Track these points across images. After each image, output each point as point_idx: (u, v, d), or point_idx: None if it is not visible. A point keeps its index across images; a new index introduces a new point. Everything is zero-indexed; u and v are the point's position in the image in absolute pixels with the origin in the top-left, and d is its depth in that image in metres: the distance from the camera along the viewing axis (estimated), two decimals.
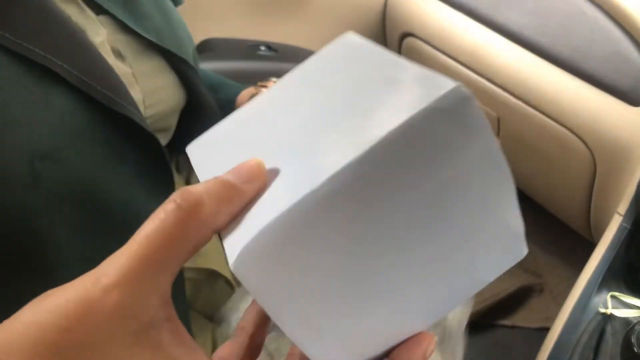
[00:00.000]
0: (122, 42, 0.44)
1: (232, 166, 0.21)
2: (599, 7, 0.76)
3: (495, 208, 0.22)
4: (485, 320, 1.06)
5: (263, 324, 0.26)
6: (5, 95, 0.33)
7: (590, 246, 0.66)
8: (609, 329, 0.55)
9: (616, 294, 0.58)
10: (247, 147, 0.25)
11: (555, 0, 0.81)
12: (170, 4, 0.53)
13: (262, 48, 1.09)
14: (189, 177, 0.67)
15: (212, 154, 0.26)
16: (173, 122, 0.52)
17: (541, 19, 0.81)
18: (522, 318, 1.07)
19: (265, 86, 0.56)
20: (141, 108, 0.45)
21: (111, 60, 0.42)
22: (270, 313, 0.20)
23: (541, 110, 0.78)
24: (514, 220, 0.23)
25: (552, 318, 0.58)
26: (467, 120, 0.20)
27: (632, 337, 0.50)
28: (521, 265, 1.16)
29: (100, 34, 0.42)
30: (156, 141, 0.43)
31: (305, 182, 0.19)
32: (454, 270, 0.22)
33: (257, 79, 1.06)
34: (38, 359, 0.17)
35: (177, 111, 0.52)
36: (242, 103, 0.58)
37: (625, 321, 0.55)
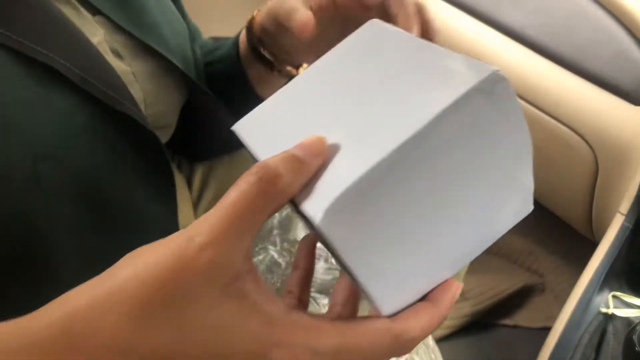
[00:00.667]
0: (119, 42, 0.44)
1: (292, 142, 0.25)
2: (602, 6, 0.75)
3: (517, 169, 0.27)
4: (487, 319, 1.06)
5: (313, 258, 0.31)
6: (7, 96, 0.33)
7: (592, 246, 0.66)
8: (610, 328, 0.55)
9: (618, 293, 0.58)
10: (300, 125, 0.29)
11: (558, 0, 0.81)
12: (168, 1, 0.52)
13: None
14: (190, 175, 0.67)
15: (266, 131, 0.30)
16: (173, 120, 0.52)
17: (543, 17, 0.80)
18: (524, 317, 1.07)
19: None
20: (141, 107, 0.45)
21: (110, 59, 0.41)
22: (348, 261, 0.23)
23: (543, 109, 0.78)
24: (528, 180, 0.27)
25: (554, 317, 0.57)
26: (503, 99, 0.25)
27: (634, 337, 0.50)
28: (523, 265, 1.16)
29: (96, 35, 0.42)
30: (157, 140, 0.43)
31: (373, 153, 0.23)
32: (480, 222, 0.27)
33: None
34: (139, 312, 0.20)
35: (178, 109, 0.52)
36: (243, 40, 0.55)
37: (627, 321, 0.55)
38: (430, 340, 0.63)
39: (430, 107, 0.23)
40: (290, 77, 0.54)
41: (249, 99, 0.57)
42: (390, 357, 0.24)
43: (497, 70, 0.24)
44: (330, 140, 0.26)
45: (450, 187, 0.25)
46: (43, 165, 0.34)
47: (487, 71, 0.24)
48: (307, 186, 0.24)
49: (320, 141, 0.25)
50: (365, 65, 0.30)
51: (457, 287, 0.26)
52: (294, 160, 0.24)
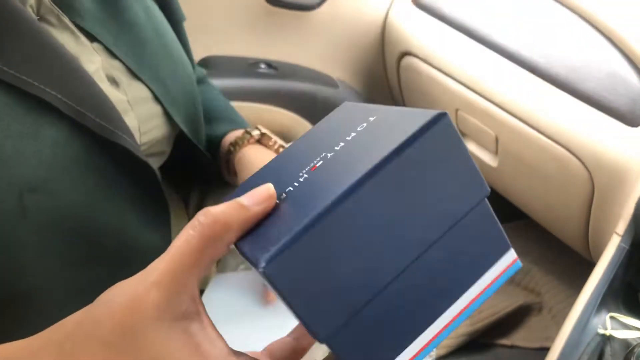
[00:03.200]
0: (117, 68, 0.44)
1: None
2: (596, 28, 0.77)
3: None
4: (484, 339, 1.06)
5: None
6: None
7: (589, 265, 0.66)
8: (608, 350, 0.54)
9: (615, 315, 0.57)
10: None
11: (553, 21, 0.82)
12: (168, 28, 0.52)
13: (262, 66, 1.10)
14: (187, 196, 0.67)
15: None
16: (168, 147, 0.52)
17: (538, 39, 0.82)
18: (522, 338, 1.07)
19: (250, 134, 0.58)
20: (136, 135, 0.44)
21: (105, 87, 0.41)
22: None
23: (539, 129, 0.79)
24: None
25: (552, 338, 0.57)
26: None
27: (632, 359, 0.50)
28: (520, 284, 1.16)
29: (94, 62, 0.41)
30: (151, 170, 0.42)
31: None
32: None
33: (257, 96, 1.07)
34: (109, 338, 0.23)
35: (172, 137, 0.52)
36: (225, 145, 0.58)
37: (625, 342, 0.55)
38: None
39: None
40: None
41: (213, 173, 0.61)
42: None
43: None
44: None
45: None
46: (30, 198, 0.34)
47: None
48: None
49: (267, 189, 0.26)
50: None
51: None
52: (237, 207, 0.25)
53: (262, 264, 0.23)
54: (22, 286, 0.35)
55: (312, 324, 0.25)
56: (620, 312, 0.58)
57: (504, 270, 0.29)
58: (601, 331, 0.56)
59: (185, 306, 0.24)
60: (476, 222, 0.28)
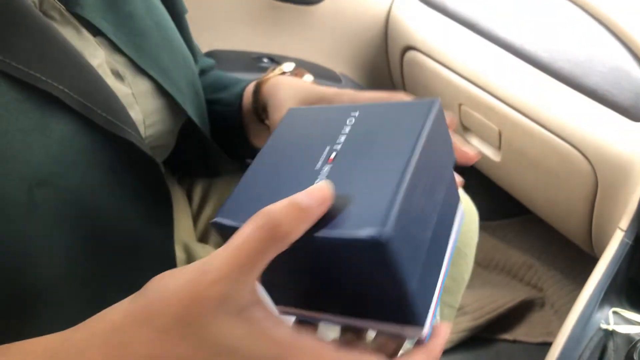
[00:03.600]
0: (120, 62, 0.44)
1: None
2: (600, 22, 0.76)
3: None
4: (486, 334, 1.06)
5: None
6: (4, 123, 0.33)
7: (592, 260, 0.66)
8: (611, 345, 0.54)
9: (618, 310, 0.57)
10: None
11: (556, 16, 0.81)
12: (168, 20, 0.52)
13: (265, 60, 1.10)
14: (191, 189, 0.67)
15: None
16: (172, 140, 0.52)
17: (542, 33, 0.81)
18: (524, 332, 1.07)
19: (267, 77, 0.54)
20: (141, 128, 0.44)
21: (111, 81, 0.41)
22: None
23: (542, 124, 0.78)
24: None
25: (554, 333, 0.57)
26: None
27: (635, 354, 0.50)
28: (522, 279, 1.16)
29: (97, 57, 0.41)
30: (155, 164, 0.42)
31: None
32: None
33: None
34: (169, 326, 0.24)
35: (176, 129, 0.52)
36: (248, 97, 0.56)
37: (628, 337, 0.55)
38: None
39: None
40: None
41: (242, 145, 0.59)
42: None
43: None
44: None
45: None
46: (39, 192, 0.34)
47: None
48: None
49: (326, 188, 0.27)
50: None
51: (446, 329, 0.31)
52: (297, 209, 0.25)
53: (383, 230, 0.24)
54: (29, 279, 0.36)
55: (410, 284, 0.27)
56: (623, 307, 0.58)
57: (459, 220, 0.36)
58: (604, 326, 0.56)
59: (246, 299, 0.25)
60: (452, 182, 0.35)
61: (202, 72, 0.64)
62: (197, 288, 0.24)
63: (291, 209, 0.25)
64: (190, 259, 0.56)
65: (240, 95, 0.57)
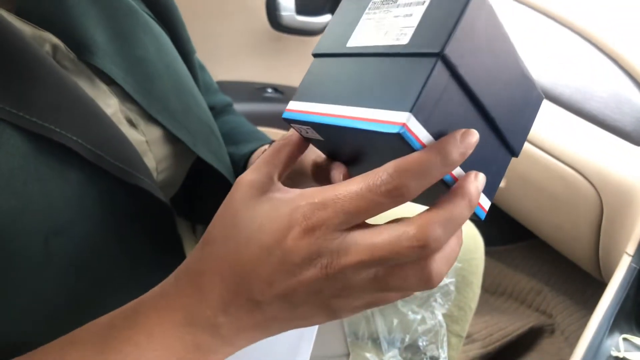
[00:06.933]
0: (132, 110, 0.44)
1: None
2: (599, 49, 0.77)
3: None
4: None
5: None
6: (24, 173, 0.33)
7: (600, 285, 0.65)
8: None
9: (628, 336, 0.57)
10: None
11: (556, 42, 0.82)
12: (179, 61, 0.52)
13: (269, 90, 1.11)
14: (194, 228, 0.67)
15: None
16: (180, 180, 0.53)
17: (543, 60, 0.82)
18: None
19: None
20: (154, 174, 0.45)
21: (125, 129, 0.42)
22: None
23: (546, 150, 0.79)
24: None
25: None
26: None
27: None
28: (531, 305, 1.15)
29: (111, 105, 0.42)
30: (168, 210, 0.42)
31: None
32: None
33: (264, 120, 1.08)
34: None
35: (186, 170, 0.52)
36: (253, 161, 0.57)
37: None
38: None
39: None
40: None
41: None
42: (415, 256, 0.25)
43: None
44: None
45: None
46: (55, 241, 0.34)
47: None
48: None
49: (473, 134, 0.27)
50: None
51: (477, 175, 0.28)
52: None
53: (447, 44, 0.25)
54: (39, 330, 0.35)
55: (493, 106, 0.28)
56: (633, 334, 0.57)
57: (386, 122, 0.29)
58: (614, 353, 0.55)
59: (269, 186, 0.30)
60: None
61: (219, 111, 0.65)
62: (238, 180, 0.31)
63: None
64: None
65: (247, 158, 0.58)
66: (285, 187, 0.30)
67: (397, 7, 0.30)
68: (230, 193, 0.31)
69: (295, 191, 0.29)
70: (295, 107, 0.32)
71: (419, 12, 0.28)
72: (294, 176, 0.44)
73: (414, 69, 0.27)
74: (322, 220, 0.27)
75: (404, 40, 0.28)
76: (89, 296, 0.38)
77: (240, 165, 0.58)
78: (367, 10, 0.31)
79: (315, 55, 0.34)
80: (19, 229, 0.33)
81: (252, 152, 0.58)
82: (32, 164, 0.34)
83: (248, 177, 0.31)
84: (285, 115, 0.32)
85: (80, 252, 0.36)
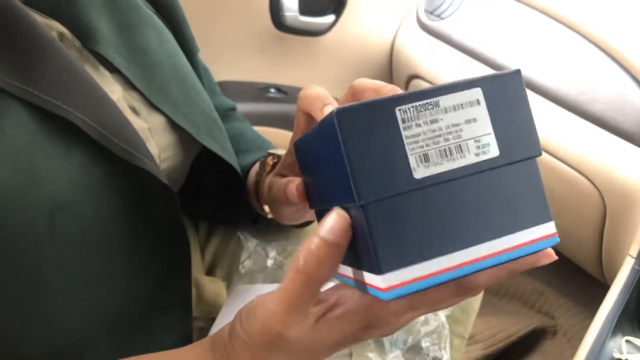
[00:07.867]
0: (135, 98, 0.45)
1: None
2: (604, 51, 0.77)
3: None
4: None
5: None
6: (31, 150, 0.34)
7: (603, 287, 0.65)
8: None
9: (631, 338, 0.57)
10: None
11: (560, 44, 0.82)
12: (180, 55, 0.53)
13: (272, 90, 1.12)
14: (197, 222, 0.67)
15: None
16: (183, 173, 0.53)
17: (547, 61, 0.82)
18: None
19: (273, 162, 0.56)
20: (157, 161, 0.45)
21: (128, 115, 0.42)
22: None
23: (549, 151, 0.79)
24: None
25: None
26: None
27: None
28: (533, 306, 1.15)
29: (114, 92, 0.42)
30: (172, 193, 0.43)
31: None
32: None
33: (267, 120, 1.08)
34: (255, 345, 0.31)
35: (189, 163, 0.52)
36: (252, 175, 0.57)
37: None
38: None
39: None
40: None
41: (241, 207, 0.59)
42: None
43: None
44: None
45: None
46: (60, 217, 0.35)
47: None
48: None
49: (342, 219, 0.28)
50: None
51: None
52: (330, 246, 0.27)
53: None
54: (44, 299, 0.36)
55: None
56: (636, 336, 0.57)
57: (540, 239, 0.29)
58: (617, 355, 0.55)
59: (303, 318, 0.29)
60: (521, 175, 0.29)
61: (221, 115, 0.65)
62: (267, 326, 0.30)
63: (325, 246, 0.27)
64: (199, 294, 0.56)
65: (247, 169, 0.58)
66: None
67: (445, 112, 0.27)
68: (269, 334, 0.31)
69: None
70: (401, 279, 0.26)
71: (482, 115, 0.28)
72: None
73: (521, 176, 0.28)
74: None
75: (493, 152, 0.28)
76: (92, 273, 0.38)
77: (242, 174, 0.58)
78: (402, 125, 0.27)
79: (366, 205, 0.26)
80: (26, 202, 0.34)
81: (253, 164, 0.58)
82: (39, 142, 0.35)
83: (278, 329, 0.31)
84: (390, 295, 0.26)
85: (85, 230, 0.37)
